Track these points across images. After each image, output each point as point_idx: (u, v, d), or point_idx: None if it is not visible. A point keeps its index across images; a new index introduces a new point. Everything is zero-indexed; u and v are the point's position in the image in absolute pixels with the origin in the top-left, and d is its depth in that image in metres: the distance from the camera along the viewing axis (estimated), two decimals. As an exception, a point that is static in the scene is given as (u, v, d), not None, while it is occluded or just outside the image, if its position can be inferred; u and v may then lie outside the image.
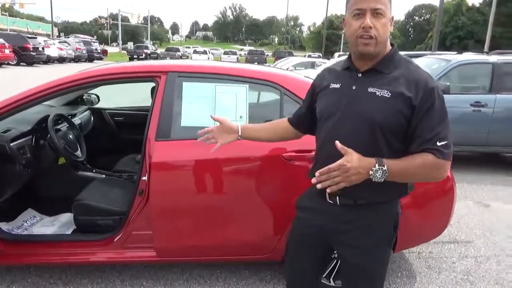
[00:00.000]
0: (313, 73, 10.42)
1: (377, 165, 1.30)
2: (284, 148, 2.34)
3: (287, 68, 14.90)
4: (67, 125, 2.98)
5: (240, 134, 1.77)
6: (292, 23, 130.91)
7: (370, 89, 1.37)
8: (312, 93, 1.65)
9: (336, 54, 28.81)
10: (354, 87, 1.41)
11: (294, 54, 37.00)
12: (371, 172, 1.30)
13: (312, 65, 15.78)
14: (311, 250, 1.59)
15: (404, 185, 1.46)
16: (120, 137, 3.72)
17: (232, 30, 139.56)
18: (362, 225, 1.44)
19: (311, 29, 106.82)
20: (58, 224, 2.78)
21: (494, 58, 5.73)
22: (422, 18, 73.75)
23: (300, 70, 13.21)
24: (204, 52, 35.03)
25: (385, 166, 1.30)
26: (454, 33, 45.59)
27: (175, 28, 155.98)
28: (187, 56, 36.58)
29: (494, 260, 3.13)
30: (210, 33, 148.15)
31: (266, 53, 36.33)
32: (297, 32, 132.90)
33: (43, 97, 2.35)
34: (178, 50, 36.96)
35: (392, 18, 1.40)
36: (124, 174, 3.14)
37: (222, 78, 2.45)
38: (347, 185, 1.32)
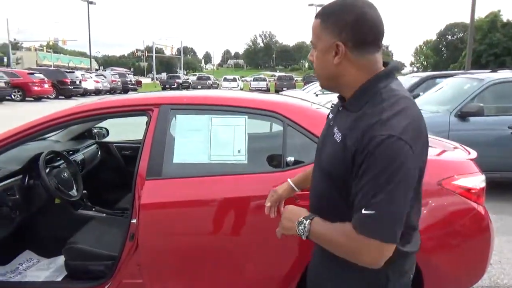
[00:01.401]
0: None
1: (302, 218, 1.15)
2: (287, 184, 2.09)
3: (315, 93, 14.68)
4: (64, 162, 2.88)
5: (296, 189, 1.67)
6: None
7: (335, 129, 1.16)
8: None
9: (367, 77, 28.30)
10: (331, 123, 1.23)
11: (323, 78, 36.78)
12: (296, 224, 1.16)
13: (340, 89, 15.48)
14: None
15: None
16: (128, 171, 3.59)
17: (262, 57, 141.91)
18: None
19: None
20: (53, 268, 2.63)
21: (533, 75, 5.27)
22: (455, 36, 72.15)
23: (328, 95, 12.95)
24: (234, 80, 35.46)
25: (309, 222, 1.13)
26: (489, 51, 43.98)
27: (207, 57, 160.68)
28: (218, 84, 37.24)
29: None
30: (241, 61, 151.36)
31: (295, 78, 36.38)
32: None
33: (31, 134, 2.25)
34: (209, 78, 37.79)
35: (336, 46, 1.08)
36: (126, 212, 2.97)
37: (219, 109, 2.27)
38: (283, 232, 1.26)
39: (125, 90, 30.66)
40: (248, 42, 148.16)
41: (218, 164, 2.16)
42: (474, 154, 2.48)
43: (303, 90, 18.85)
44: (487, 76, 5.53)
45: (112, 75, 30.62)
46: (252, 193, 2.10)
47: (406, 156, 0.99)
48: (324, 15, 1.11)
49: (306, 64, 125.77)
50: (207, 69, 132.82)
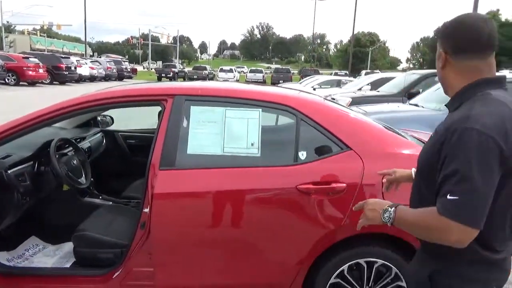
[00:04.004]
0: (339, 92, 10.17)
1: (387, 206, 1.26)
2: (300, 179, 2.11)
3: (312, 87, 14.68)
4: (73, 149, 2.86)
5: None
6: (318, 41, 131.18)
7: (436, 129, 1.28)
8: None
9: (363, 72, 28.34)
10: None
11: (320, 72, 36.77)
12: (381, 212, 1.27)
13: (338, 84, 15.49)
14: None
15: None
16: (133, 160, 3.58)
17: (259, 48, 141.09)
18: None
19: (338, 47, 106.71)
20: (60, 254, 2.63)
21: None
22: (452, 34, 72.15)
23: (326, 89, 12.96)
24: (230, 71, 35.20)
25: (394, 210, 1.24)
26: (486, 50, 44.17)
27: (203, 47, 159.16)
28: (214, 75, 37.01)
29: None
30: (237, 52, 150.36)
31: (292, 71, 36.27)
32: (323, 50, 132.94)
33: (45, 121, 2.23)
34: (205, 68, 37.47)
35: (440, 53, 1.29)
36: (132, 201, 2.98)
37: (233, 102, 2.26)
38: (366, 222, 1.35)
39: (120, 77, 30.33)
40: (245, 33, 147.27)
41: (231, 157, 2.17)
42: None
43: (300, 83, 18.83)
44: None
45: (108, 62, 30.25)
46: (264, 186, 2.12)
47: (488, 148, 1.07)
48: (439, 32, 1.31)
49: (303, 57, 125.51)
50: (202, 59, 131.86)
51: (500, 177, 1.11)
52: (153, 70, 44.34)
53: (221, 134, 2.19)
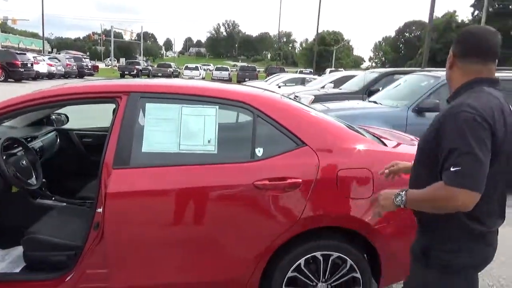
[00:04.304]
0: (303, 90, 10.31)
1: (398, 191, 1.47)
2: (257, 175, 2.13)
3: (277, 85, 14.78)
4: (22, 149, 2.74)
5: None
6: (284, 39, 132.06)
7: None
8: None
9: (328, 70, 28.85)
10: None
11: (285, 70, 37.09)
12: (393, 197, 1.47)
13: (303, 82, 15.68)
14: None
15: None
16: (90, 160, 3.47)
17: (225, 46, 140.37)
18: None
19: (303, 45, 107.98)
20: (9, 259, 2.50)
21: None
22: (412, 34, 74.85)
23: (291, 87, 13.09)
24: (196, 68, 34.78)
25: (405, 193, 1.45)
26: (444, 50, 46.24)
27: (168, 44, 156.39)
28: (179, 73, 36.50)
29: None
30: (203, 49, 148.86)
31: (258, 69, 36.35)
32: (289, 48, 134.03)
33: None
34: (170, 66, 36.87)
35: (449, 56, 1.52)
36: (88, 201, 2.89)
37: (190, 99, 2.25)
38: (381, 210, 1.58)
39: (80, 75, 29.28)
40: (211, 30, 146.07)
41: (187, 154, 2.15)
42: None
43: (266, 81, 18.92)
44: (443, 74, 5.81)
45: (67, 58, 29.13)
46: (220, 183, 2.12)
47: (478, 123, 1.29)
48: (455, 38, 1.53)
49: (269, 55, 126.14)
50: (167, 56, 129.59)
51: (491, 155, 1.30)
52: (116, 67, 43.14)
53: (177, 131, 2.17)
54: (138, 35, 74.41)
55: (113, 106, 2.33)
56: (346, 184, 2.20)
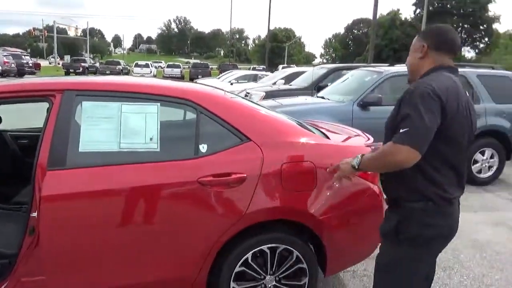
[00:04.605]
0: (255, 86, 10.36)
1: (356, 156, 1.74)
2: (201, 172, 2.11)
3: (230, 81, 14.75)
4: None
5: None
6: (237, 36, 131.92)
7: None
8: None
9: (280, 67, 29.22)
10: None
11: (239, 66, 37.09)
12: (350, 160, 1.76)
13: (255, 78, 15.76)
14: None
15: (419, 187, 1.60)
16: (26, 162, 3.28)
17: (177, 43, 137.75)
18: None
19: (256, 42, 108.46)
20: None
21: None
22: (360, 31, 77.52)
23: (243, 83, 13.11)
24: (147, 66, 33.81)
25: (361, 155, 1.72)
26: (389, 46, 48.37)
27: (117, 41, 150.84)
28: (129, 70, 35.36)
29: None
30: (154, 46, 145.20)
31: (211, 66, 36.06)
32: (243, 45, 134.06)
33: None
34: (118, 63, 35.62)
35: (422, 46, 1.71)
36: (24, 206, 2.72)
37: (130, 97, 2.19)
38: (340, 173, 1.87)
39: (20, 73, 27.45)
40: (162, 26, 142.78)
41: (128, 153, 2.10)
42: (371, 139, 2.75)
43: (219, 78, 18.82)
44: (385, 69, 6.07)
45: (5, 56, 27.17)
46: (163, 181, 2.08)
47: (430, 96, 1.50)
48: (420, 32, 1.78)
49: (222, 52, 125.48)
50: (116, 53, 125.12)
51: (443, 128, 1.52)
52: (60, 65, 41.01)
53: (117, 129, 2.10)
54: (84, 31, 71.22)
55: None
56: (290, 178, 2.24)
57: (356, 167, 1.71)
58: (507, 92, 5.87)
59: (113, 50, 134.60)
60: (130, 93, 2.19)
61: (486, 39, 46.02)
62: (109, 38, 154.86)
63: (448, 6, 45.71)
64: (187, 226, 2.13)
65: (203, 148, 2.18)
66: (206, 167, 2.13)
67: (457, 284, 1.83)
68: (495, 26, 46.68)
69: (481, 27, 45.48)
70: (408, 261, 1.66)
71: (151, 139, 2.14)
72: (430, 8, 38.98)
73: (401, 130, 1.51)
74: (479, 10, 45.07)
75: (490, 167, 5.67)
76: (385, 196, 1.83)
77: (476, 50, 45.73)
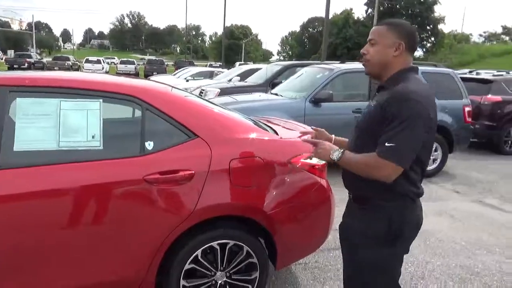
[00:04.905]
0: (210, 83, 10.28)
1: (337, 148, 1.66)
2: (148, 169, 2.06)
3: (185, 78, 14.53)
4: None
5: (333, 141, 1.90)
6: (193, 33, 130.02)
7: (372, 102, 1.68)
8: None
9: (237, 64, 29.18)
10: (370, 102, 1.73)
11: (195, 63, 36.64)
12: (331, 151, 1.66)
13: (211, 75, 15.63)
14: None
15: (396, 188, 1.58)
16: None
17: (130, 38, 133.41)
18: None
19: (213, 38, 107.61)
20: None
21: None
22: (315, 30, 79.07)
23: (198, 80, 12.97)
24: (98, 62, 32.46)
25: (343, 151, 1.64)
26: (343, 44, 49.74)
27: (66, 36, 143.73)
28: (79, 66, 33.88)
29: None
30: (106, 42, 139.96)
31: (166, 63, 35.34)
32: (199, 41, 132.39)
33: None
34: (68, 59, 34.00)
35: (399, 44, 1.64)
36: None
37: (69, 93, 2.09)
38: (315, 156, 1.75)
39: (-41, 69, 25.63)
40: (114, 21, 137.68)
41: (68, 151, 2.01)
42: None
43: (174, 75, 18.49)
44: (336, 66, 6.22)
45: None
46: (107, 179, 2.02)
47: (420, 110, 1.49)
48: (392, 25, 1.67)
49: (178, 49, 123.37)
50: (66, 48, 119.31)
51: (424, 137, 1.52)
52: (3, 60, 38.53)
53: (55, 127, 2.01)
54: (29, 24, 67.32)
55: None
56: (239, 173, 2.25)
57: (335, 160, 1.64)
58: (448, 88, 6.22)
59: (62, 45, 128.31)
60: (70, 88, 2.09)
61: (433, 38, 48.48)
62: (57, 32, 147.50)
63: (398, 6, 47.60)
64: (134, 225, 2.08)
65: (149, 145, 2.13)
66: (152, 164, 2.08)
67: (402, 271, 1.91)
68: (441, 26, 49.18)
69: (428, 27, 47.80)
70: (394, 260, 1.69)
71: (93, 137, 2.06)
72: (381, 8, 40.46)
73: (386, 144, 1.49)
74: (426, 11, 47.31)
75: (434, 160, 5.99)
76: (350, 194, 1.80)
77: (424, 49, 48.04)
